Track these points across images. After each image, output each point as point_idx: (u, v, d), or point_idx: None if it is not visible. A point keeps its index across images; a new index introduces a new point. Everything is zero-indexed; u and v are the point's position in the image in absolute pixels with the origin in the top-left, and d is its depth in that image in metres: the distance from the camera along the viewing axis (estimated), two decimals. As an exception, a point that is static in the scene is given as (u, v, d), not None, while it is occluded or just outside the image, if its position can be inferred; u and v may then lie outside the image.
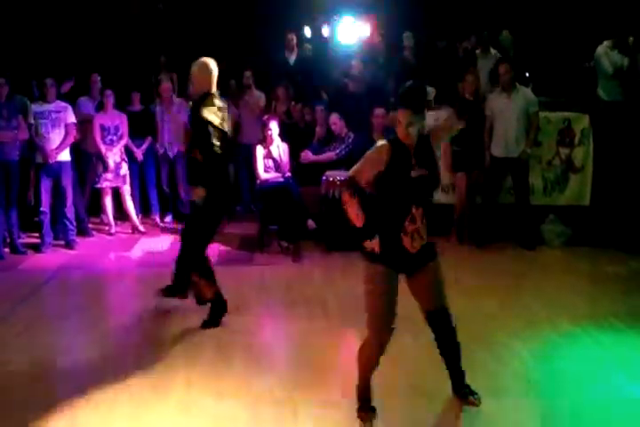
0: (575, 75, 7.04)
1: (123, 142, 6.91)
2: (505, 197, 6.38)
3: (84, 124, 6.82)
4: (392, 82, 7.28)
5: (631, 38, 6.60)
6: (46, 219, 6.39)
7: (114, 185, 6.93)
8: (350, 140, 6.68)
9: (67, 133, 6.38)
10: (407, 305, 4.66)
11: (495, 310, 4.54)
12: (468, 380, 3.29)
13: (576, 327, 4.20)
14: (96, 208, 7.25)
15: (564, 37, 7.30)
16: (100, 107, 6.97)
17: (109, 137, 6.87)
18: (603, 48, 6.72)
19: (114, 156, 6.85)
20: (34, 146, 6.33)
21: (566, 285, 5.20)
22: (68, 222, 6.45)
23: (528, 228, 6.24)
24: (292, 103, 7.37)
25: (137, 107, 7.26)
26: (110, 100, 6.84)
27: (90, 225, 7.04)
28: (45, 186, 6.36)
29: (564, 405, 3.25)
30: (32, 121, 6.24)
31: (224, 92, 7.52)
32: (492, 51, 7.51)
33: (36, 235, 6.51)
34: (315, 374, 3.62)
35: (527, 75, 7.46)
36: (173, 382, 3.52)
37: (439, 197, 6.69)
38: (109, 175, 6.87)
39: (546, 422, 3.12)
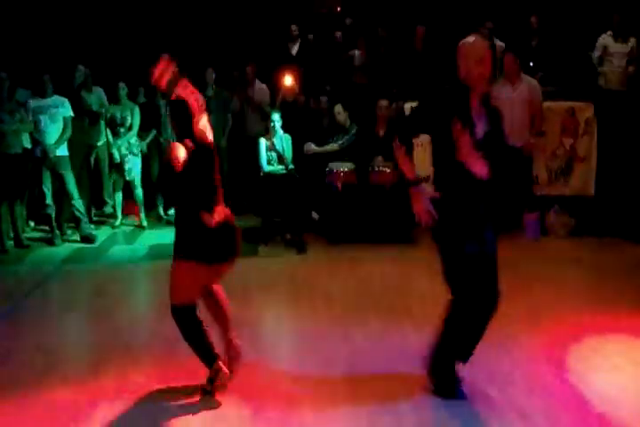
0: (579, 64, 7.00)
1: (131, 134, 6.89)
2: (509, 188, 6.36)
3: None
4: (397, 73, 7.24)
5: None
6: (52, 212, 6.42)
7: (121, 179, 6.95)
8: (354, 132, 6.66)
9: (65, 127, 6.38)
10: (408, 298, 4.65)
11: (500, 300, 4.52)
12: (473, 367, 3.30)
13: (580, 317, 4.19)
14: (100, 200, 7.28)
15: (568, 26, 7.24)
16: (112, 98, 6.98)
17: (118, 128, 6.87)
18: (603, 37, 6.73)
19: (119, 148, 6.85)
20: (33, 140, 6.34)
21: (571, 274, 5.20)
22: (80, 216, 6.45)
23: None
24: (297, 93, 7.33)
25: (142, 99, 7.26)
26: (123, 93, 6.85)
27: (95, 218, 7.09)
28: (46, 180, 6.37)
29: (569, 395, 3.25)
30: (31, 116, 6.25)
31: (227, 84, 7.56)
32: (497, 42, 7.45)
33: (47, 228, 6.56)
34: (319, 367, 3.62)
35: (531, 64, 7.40)
36: (178, 376, 3.53)
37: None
38: (114, 168, 6.89)
39: (551, 413, 3.12)
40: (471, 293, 3.07)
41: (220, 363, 3.27)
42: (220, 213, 3.27)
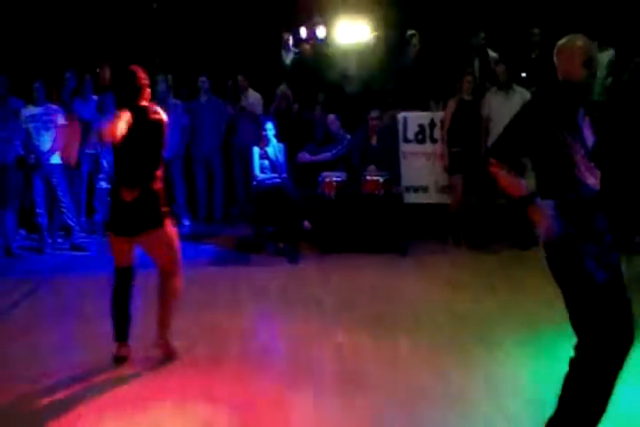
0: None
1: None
2: (500, 198, 6.37)
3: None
4: (391, 83, 7.26)
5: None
6: (44, 220, 6.38)
7: (108, 186, 6.92)
8: (346, 142, 6.68)
9: (57, 136, 6.36)
10: (399, 308, 4.64)
11: (493, 311, 4.53)
12: (466, 379, 3.27)
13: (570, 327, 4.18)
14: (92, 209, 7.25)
15: (557, 37, 7.28)
16: (99, 109, 6.97)
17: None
18: None
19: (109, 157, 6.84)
20: (26, 148, 6.32)
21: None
22: (71, 224, 6.42)
23: (523, 228, 6.23)
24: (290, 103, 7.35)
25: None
26: (110, 102, 6.84)
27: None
28: (38, 188, 6.34)
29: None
30: (24, 124, 6.24)
31: (222, 92, 7.57)
32: (491, 52, 7.50)
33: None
34: (310, 375, 3.60)
35: (524, 75, 7.45)
36: (167, 384, 3.50)
37: (436, 197, 6.71)
38: (104, 176, 6.87)
39: (541, 421, 3.10)
40: (604, 332, 2.49)
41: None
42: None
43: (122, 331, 3.71)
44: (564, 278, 2.60)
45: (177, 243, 3.72)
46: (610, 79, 6.45)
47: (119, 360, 3.69)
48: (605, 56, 6.64)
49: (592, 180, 2.60)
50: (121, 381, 3.55)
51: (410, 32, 7.49)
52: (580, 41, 2.67)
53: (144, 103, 3.56)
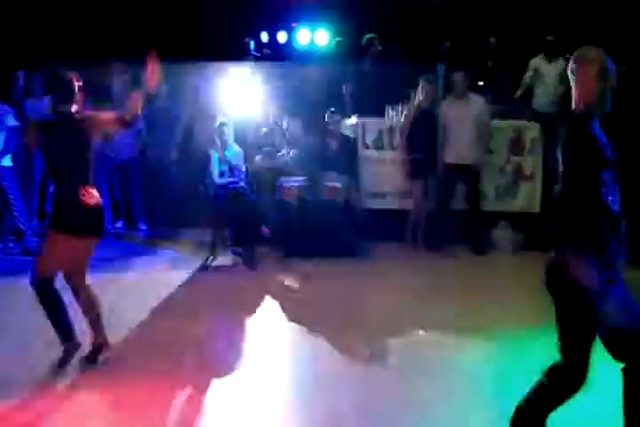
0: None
1: None
2: (457, 204, 6.48)
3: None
4: (348, 88, 7.30)
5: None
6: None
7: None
8: (304, 147, 6.68)
9: (8, 138, 6.19)
10: (361, 311, 4.66)
11: (446, 313, 4.59)
12: (425, 380, 3.30)
13: (524, 330, 4.27)
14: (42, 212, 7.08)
15: (523, 48, 7.40)
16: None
17: None
18: (535, 60, 6.93)
19: None
20: None
21: (516, 288, 5.29)
22: (23, 228, 6.26)
23: (480, 233, 6.34)
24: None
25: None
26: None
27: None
28: None
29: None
30: None
31: (178, 96, 7.48)
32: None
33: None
34: (266, 381, 3.58)
35: (481, 83, 7.59)
36: (119, 392, 3.43)
37: (396, 203, 6.77)
38: None
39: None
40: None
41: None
42: None
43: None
44: (569, 305, 2.50)
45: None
46: (561, 89, 6.59)
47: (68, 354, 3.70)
48: (555, 67, 6.80)
49: (617, 206, 2.47)
50: (71, 389, 3.47)
51: (369, 35, 7.54)
52: (588, 50, 2.53)
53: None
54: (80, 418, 3.17)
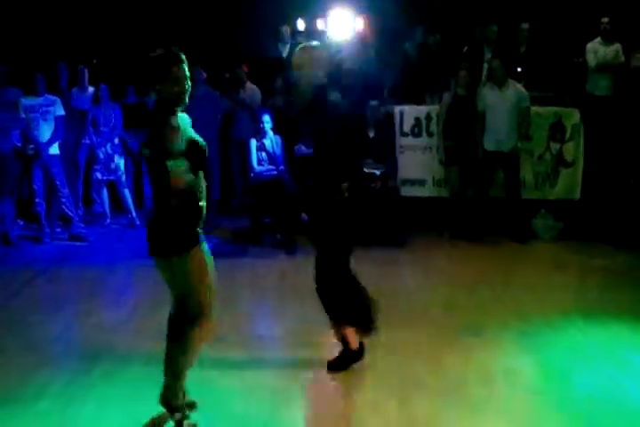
0: (566, 70, 7.08)
1: (114, 134, 6.93)
2: (496, 191, 6.44)
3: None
4: (389, 76, 7.28)
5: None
6: (42, 210, 6.41)
7: (106, 178, 6.97)
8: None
9: (56, 127, 6.38)
10: (397, 298, 4.70)
11: (487, 302, 4.60)
12: (458, 366, 3.34)
13: (565, 320, 4.26)
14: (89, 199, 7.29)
15: (555, 33, 7.32)
16: (95, 100, 7.01)
17: (101, 128, 6.90)
18: (592, 44, 6.84)
19: (104, 148, 6.90)
20: (25, 139, 6.34)
21: (556, 277, 5.28)
22: (70, 214, 6.45)
23: (520, 222, 6.30)
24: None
25: (132, 99, 7.29)
26: (105, 94, 6.90)
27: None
28: (37, 177, 6.36)
29: (552, 393, 3.31)
30: (23, 115, 6.25)
31: (219, 85, 7.57)
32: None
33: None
34: (309, 365, 3.66)
35: (519, 70, 7.48)
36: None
37: (433, 190, 6.77)
38: (99, 167, 6.93)
39: (533, 411, 3.17)
40: None
41: None
42: None
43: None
44: None
45: None
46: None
47: None
48: (612, 51, 6.71)
49: None
50: (116, 371, 3.58)
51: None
52: None
53: None
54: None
